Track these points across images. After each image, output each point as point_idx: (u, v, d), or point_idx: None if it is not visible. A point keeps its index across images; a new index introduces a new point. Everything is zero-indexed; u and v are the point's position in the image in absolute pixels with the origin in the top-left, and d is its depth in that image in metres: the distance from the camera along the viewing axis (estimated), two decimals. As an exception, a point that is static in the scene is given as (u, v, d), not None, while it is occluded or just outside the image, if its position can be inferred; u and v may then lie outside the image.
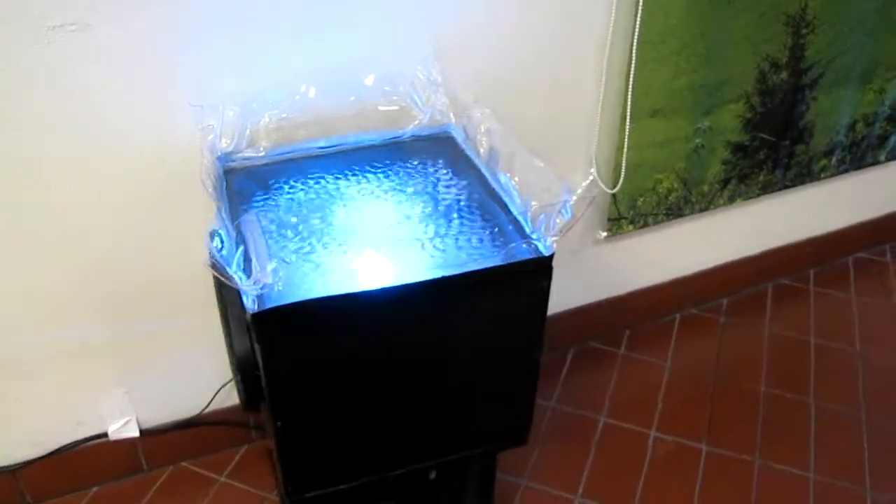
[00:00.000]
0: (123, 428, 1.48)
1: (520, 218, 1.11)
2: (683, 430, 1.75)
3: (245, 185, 1.20)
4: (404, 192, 1.18)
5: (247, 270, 0.95)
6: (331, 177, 1.21)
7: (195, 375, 1.52)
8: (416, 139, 1.32)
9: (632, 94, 1.50)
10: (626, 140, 1.54)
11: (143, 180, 1.25)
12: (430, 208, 1.14)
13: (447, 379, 1.13)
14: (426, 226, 1.10)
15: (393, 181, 1.21)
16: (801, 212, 2.12)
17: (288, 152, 1.26)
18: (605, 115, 1.58)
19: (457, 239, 1.08)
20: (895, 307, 2.16)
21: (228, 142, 1.21)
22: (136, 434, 1.50)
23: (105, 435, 1.48)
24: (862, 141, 2.02)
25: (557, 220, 1.04)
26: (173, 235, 1.32)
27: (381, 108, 1.31)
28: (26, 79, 1.10)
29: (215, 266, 0.88)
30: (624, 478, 1.64)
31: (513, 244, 1.07)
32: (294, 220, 1.12)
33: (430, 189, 1.19)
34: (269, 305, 0.92)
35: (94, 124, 1.17)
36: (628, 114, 1.51)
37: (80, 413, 1.45)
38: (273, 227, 1.09)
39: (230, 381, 1.54)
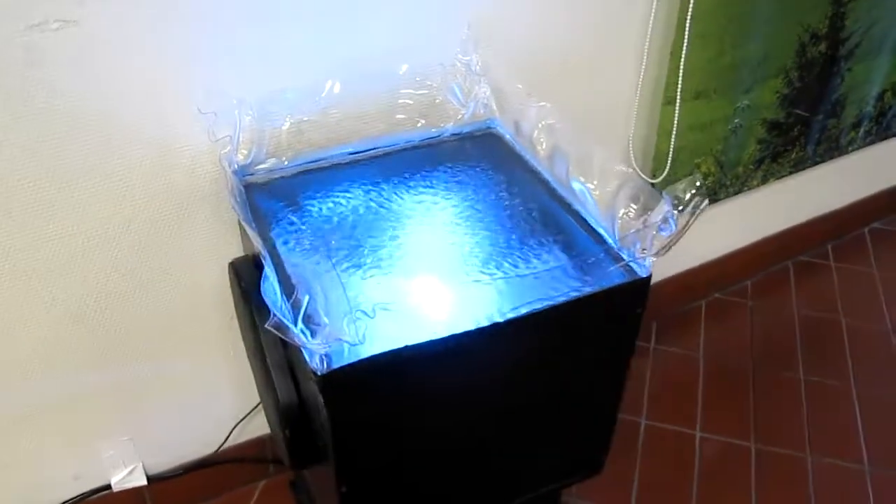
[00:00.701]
0: (129, 477, 1.30)
1: (603, 233, 0.96)
2: (729, 428, 1.65)
3: (269, 202, 1.02)
4: (455, 202, 1.02)
5: (304, 320, 0.79)
6: (367, 188, 1.04)
7: (204, 414, 1.34)
8: (458, 138, 1.16)
9: (681, 75, 1.35)
10: (674, 126, 1.39)
11: (140, 205, 1.05)
12: (491, 222, 0.98)
13: (528, 418, 0.98)
14: (491, 245, 0.94)
15: (439, 190, 1.05)
16: (824, 187, 2.02)
17: (315, 161, 1.08)
18: (643, 100, 1.44)
19: (529, 260, 0.93)
20: (919, 280, 2.09)
21: (246, 153, 1.03)
22: (144, 482, 1.32)
23: (108, 487, 1.30)
24: (888, 111, 1.92)
25: (654, 236, 0.89)
26: (175, 266, 1.14)
27: (415, 103, 1.14)
28: None
29: (280, 327, 0.71)
30: (677, 486, 1.53)
31: (601, 266, 0.92)
32: (334, 243, 0.95)
33: (485, 198, 1.03)
34: (338, 364, 0.75)
35: (80, 140, 0.97)
36: (678, 96, 1.37)
37: (80, 466, 1.27)
38: (313, 256, 0.92)
39: (245, 417, 1.37)
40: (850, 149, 1.91)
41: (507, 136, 1.14)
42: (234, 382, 1.32)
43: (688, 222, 0.88)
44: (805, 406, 1.70)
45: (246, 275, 0.98)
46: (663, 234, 0.89)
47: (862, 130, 1.90)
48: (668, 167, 1.46)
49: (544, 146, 1.08)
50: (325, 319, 0.74)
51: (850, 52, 1.67)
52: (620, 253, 0.93)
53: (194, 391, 1.29)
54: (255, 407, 1.36)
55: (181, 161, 1.04)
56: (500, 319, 0.82)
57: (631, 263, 0.91)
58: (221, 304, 1.20)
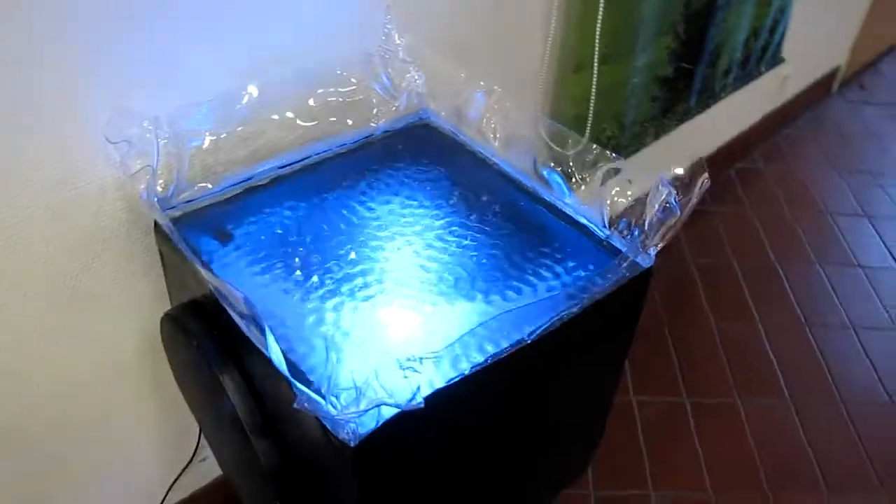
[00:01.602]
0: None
1: (589, 224, 0.89)
2: (661, 388, 1.66)
3: (201, 238, 0.86)
4: (412, 208, 0.91)
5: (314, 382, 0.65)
6: (308, 205, 0.90)
7: (128, 493, 1.15)
8: (393, 135, 1.03)
9: (597, 40, 1.30)
10: (592, 92, 1.34)
11: (38, 263, 0.85)
12: (463, 231, 0.88)
13: (542, 431, 0.90)
14: (472, 252, 0.84)
15: (389, 196, 0.92)
16: (700, 134, 2.07)
17: (243, 181, 0.92)
18: (551, 71, 1.37)
19: (518, 264, 0.84)
20: (786, 215, 2.21)
21: (164, 183, 0.86)
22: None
23: None
24: (751, 56, 1.99)
25: (655, 222, 0.83)
26: (84, 335, 0.94)
27: (342, 101, 1.00)
28: None
29: (310, 404, 0.57)
30: (627, 448, 1.51)
31: (602, 263, 0.84)
32: (298, 273, 0.81)
33: (446, 202, 0.92)
34: (368, 429, 0.63)
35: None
36: (595, 61, 1.31)
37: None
38: (280, 295, 0.78)
39: (175, 480, 1.19)
40: (722, 95, 1.96)
41: (448, 127, 1.04)
42: (159, 447, 1.14)
43: (691, 203, 0.82)
44: (722, 353, 1.75)
45: (195, 329, 0.82)
46: (665, 220, 0.83)
47: (731, 77, 1.95)
48: (587, 134, 1.41)
49: (498, 134, 0.98)
50: (355, 380, 0.61)
51: (727, 1, 1.70)
52: (616, 244, 0.86)
53: (113, 472, 1.10)
54: (186, 466, 1.19)
55: (83, 200, 0.85)
56: (526, 339, 0.73)
57: (635, 257, 0.84)
58: (141, 364, 1.02)
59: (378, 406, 0.58)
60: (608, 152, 0.91)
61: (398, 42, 1.02)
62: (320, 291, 0.78)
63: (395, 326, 0.76)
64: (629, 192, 0.87)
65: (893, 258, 2.07)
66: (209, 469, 1.24)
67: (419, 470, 0.75)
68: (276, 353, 0.62)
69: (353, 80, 1.00)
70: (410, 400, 0.57)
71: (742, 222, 2.16)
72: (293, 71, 0.95)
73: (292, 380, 0.59)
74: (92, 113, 0.79)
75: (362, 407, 0.59)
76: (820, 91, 2.73)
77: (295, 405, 0.57)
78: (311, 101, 0.97)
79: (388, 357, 0.65)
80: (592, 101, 1.35)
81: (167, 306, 0.98)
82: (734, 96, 2.07)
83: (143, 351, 1.01)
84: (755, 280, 1.96)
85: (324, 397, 0.59)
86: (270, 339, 0.62)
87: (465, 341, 0.71)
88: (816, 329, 1.82)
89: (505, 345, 0.72)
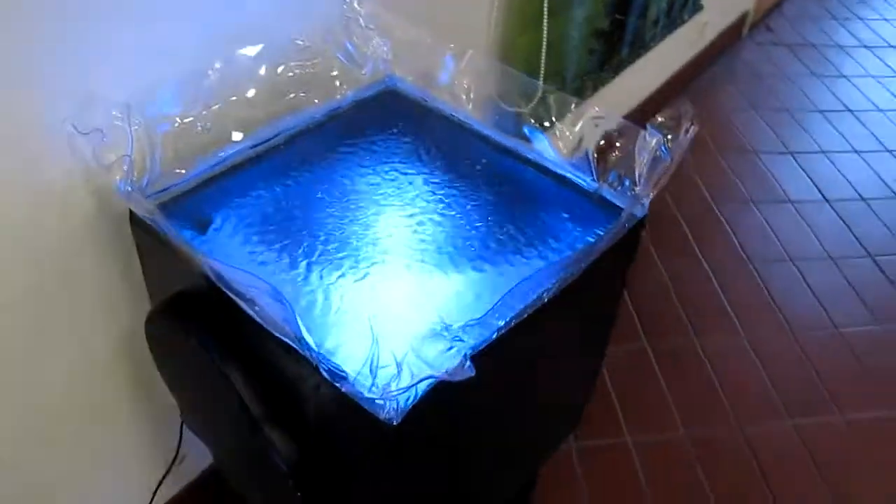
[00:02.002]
0: None
1: (576, 178, 0.88)
2: (620, 334, 1.69)
3: (179, 226, 0.82)
4: (394, 178, 0.89)
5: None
6: (287, 183, 0.87)
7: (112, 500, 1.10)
8: (361, 104, 1.00)
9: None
10: (543, 49, 1.33)
11: (5, 275, 0.79)
12: (446, 194, 0.86)
13: (550, 385, 0.90)
14: (465, 220, 0.83)
15: (369, 169, 0.90)
16: (631, 85, 2.10)
17: (217, 164, 0.88)
18: (497, 30, 1.36)
19: (516, 227, 0.83)
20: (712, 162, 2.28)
21: (138, 173, 0.81)
22: None
23: None
24: (675, 4, 2.02)
25: (647, 171, 0.83)
26: (59, 346, 0.88)
27: (308, 74, 0.96)
28: None
29: (348, 385, 0.55)
30: (598, 396, 1.55)
31: (597, 216, 0.85)
32: (300, 251, 0.78)
33: (428, 166, 0.90)
34: (408, 404, 0.61)
35: None
36: (545, 17, 1.30)
37: None
38: (278, 275, 0.75)
39: (162, 480, 1.14)
40: (651, 45, 1.99)
41: (417, 93, 1.01)
42: (140, 451, 1.09)
43: (682, 148, 0.83)
44: (675, 297, 1.80)
45: (191, 323, 0.78)
46: (656, 168, 0.83)
47: (659, 26, 1.98)
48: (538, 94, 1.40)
49: (472, 95, 0.97)
50: (395, 355, 0.59)
51: (654, -50, 1.72)
52: (607, 197, 0.86)
53: (95, 483, 1.04)
54: (170, 467, 1.14)
55: (48, 201, 0.79)
56: (545, 299, 0.72)
57: (633, 211, 0.84)
58: (118, 368, 0.97)
59: (426, 380, 0.57)
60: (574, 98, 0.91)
61: (359, 9, 0.98)
62: (316, 271, 0.76)
63: (406, 300, 0.74)
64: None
65: (819, 191, 2.16)
66: (191, 467, 1.19)
67: (447, 438, 0.74)
68: (307, 336, 0.60)
69: (316, 51, 0.96)
70: (460, 370, 0.56)
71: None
72: (256, 46, 0.91)
73: (328, 360, 0.57)
74: (52, 101, 0.74)
75: (406, 383, 0.57)
76: (733, 35, 2.81)
77: (344, 388, 0.55)
78: (276, 76, 0.93)
79: (420, 329, 0.64)
80: (544, 54, 1.35)
81: (145, 303, 0.93)
82: (660, 45, 2.10)
83: (120, 353, 0.96)
84: (696, 223, 2.02)
85: (373, 376, 0.57)
86: (298, 320, 0.60)
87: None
88: (759, 264, 1.89)
89: (521, 307, 0.72)
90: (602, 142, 0.88)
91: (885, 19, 3.18)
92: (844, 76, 2.73)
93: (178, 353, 0.83)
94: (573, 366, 0.95)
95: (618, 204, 0.85)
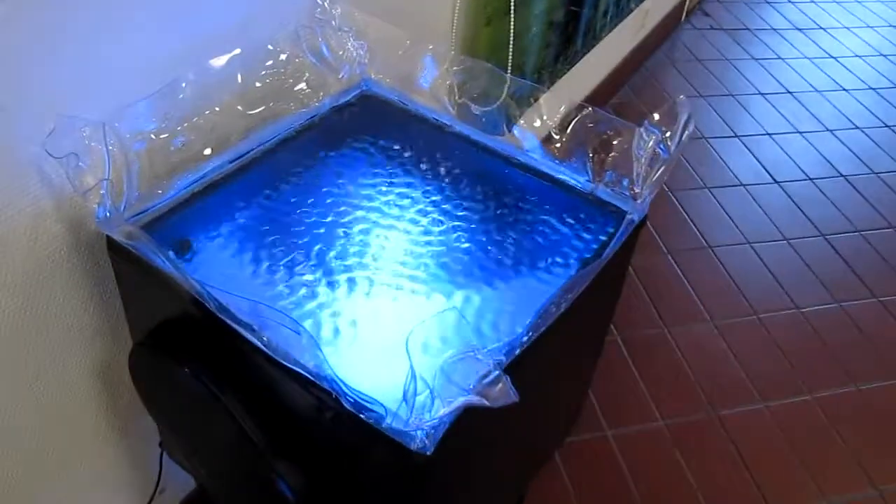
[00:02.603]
0: None
1: (570, 180, 0.86)
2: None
3: (161, 252, 0.76)
4: (384, 188, 0.85)
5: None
6: (271, 198, 0.83)
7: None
8: (339, 110, 0.96)
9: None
10: (510, 43, 1.31)
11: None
12: (439, 204, 0.83)
13: (561, 385, 0.88)
14: (464, 231, 0.80)
15: (354, 179, 0.86)
16: (583, 76, 2.10)
17: (195, 181, 0.83)
18: (461, 27, 1.33)
19: (518, 233, 0.81)
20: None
21: (115, 196, 0.75)
22: None
23: None
24: (623, -7, 2.03)
25: (643, 170, 0.82)
26: (29, 393, 0.82)
27: (281, 81, 0.91)
28: None
29: (370, 413, 0.51)
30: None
31: (597, 219, 0.83)
32: (298, 270, 0.74)
33: (416, 175, 0.87)
34: (440, 432, 0.58)
35: None
36: (512, 9, 1.28)
37: None
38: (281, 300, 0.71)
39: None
40: (602, 35, 1.99)
41: (395, 97, 0.97)
42: (119, 489, 1.03)
43: (679, 144, 0.81)
44: (641, 287, 1.80)
45: (183, 353, 0.73)
46: (654, 167, 0.82)
47: (609, 16, 1.98)
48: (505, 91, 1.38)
49: (457, 99, 0.93)
50: (426, 381, 0.55)
51: (605, -58, 1.71)
52: (604, 197, 0.85)
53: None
54: (153, 497, 1.08)
55: (16, 233, 0.72)
56: (562, 309, 0.70)
57: (634, 213, 0.83)
58: (95, 403, 0.90)
59: (466, 407, 0.54)
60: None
61: (332, 11, 0.94)
62: (309, 290, 0.72)
63: (414, 320, 0.71)
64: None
65: (768, 172, 2.21)
66: (172, 498, 1.13)
67: (467, 460, 0.71)
68: (329, 369, 0.56)
69: (291, 56, 0.92)
70: (504, 395, 0.53)
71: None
72: (228, 55, 0.86)
73: (353, 390, 0.53)
74: (18, 123, 0.67)
75: (442, 412, 0.54)
76: (672, 22, 2.84)
77: (350, 416, 0.52)
78: (250, 84, 0.88)
79: (446, 350, 0.60)
80: (511, 48, 1.32)
81: (125, 333, 0.87)
82: (609, 36, 2.11)
83: (98, 385, 0.90)
84: (653, 210, 2.02)
85: (409, 406, 0.53)
86: (321, 354, 0.56)
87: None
88: (718, 249, 1.92)
89: (545, 325, 0.69)
90: (596, 142, 0.86)
91: (814, 1, 3.27)
92: (781, 58, 2.80)
93: (166, 385, 0.78)
94: (578, 367, 0.93)
95: (617, 204, 0.83)
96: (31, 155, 0.69)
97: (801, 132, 2.40)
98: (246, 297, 0.61)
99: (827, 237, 2.00)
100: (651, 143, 0.81)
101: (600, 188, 0.85)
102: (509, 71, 1.34)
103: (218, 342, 0.70)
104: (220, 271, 0.73)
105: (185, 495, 1.16)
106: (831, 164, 2.27)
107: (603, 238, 0.80)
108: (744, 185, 2.14)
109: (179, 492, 1.14)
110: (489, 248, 0.78)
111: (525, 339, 0.64)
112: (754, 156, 2.27)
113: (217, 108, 0.85)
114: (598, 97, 2.33)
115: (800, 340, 1.70)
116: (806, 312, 1.77)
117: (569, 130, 0.87)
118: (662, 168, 0.81)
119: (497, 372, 0.55)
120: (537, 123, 0.90)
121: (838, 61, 2.81)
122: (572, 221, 0.82)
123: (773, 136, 2.37)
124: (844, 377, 1.63)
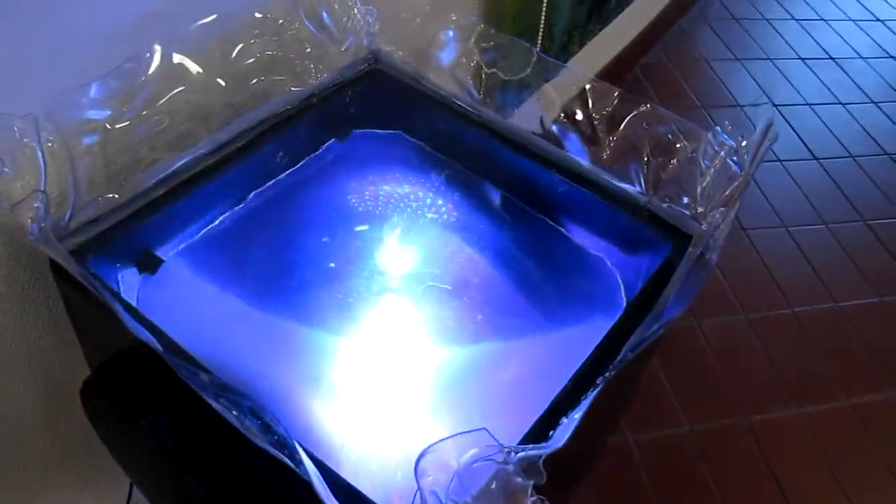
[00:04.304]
0: None
1: (622, 189, 0.71)
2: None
3: (111, 270, 0.62)
4: (392, 194, 0.70)
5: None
6: (247, 204, 0.69)
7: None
8: (341, 89, 0.80)
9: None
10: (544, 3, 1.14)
11: None
12: (462, 215, 0.69)
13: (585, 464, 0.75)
14: (489, 256, 0.66)
15: (359, 179, 0.71)
16: (614, 39, 1.92)
17: (158, 183, 0.67)
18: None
19: (554, 268, 0.67)
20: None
21: (56, 205, 0.60)
22: None
23: None
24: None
25: (709, 185, 0.67)
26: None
27: (272, 53, 0.75)
28: None
29: None
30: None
31: (652, 241, 0.68)
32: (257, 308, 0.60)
33: (430, 178, 0.72)
34: None
35: None
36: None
37: None
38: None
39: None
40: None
41: (411, 73, 0.81)
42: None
43: (757, 158, 0.66)
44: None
45: (135, 402, 0.59)
46: (722, 181, 0.67)
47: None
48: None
49: (484, 81, 0.78)
50: (435, 494, 0.42)
51: None
52: (660, 214, 0.70)
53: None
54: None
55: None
56: (630, 355, 0.56)
57: (705, 246, 0.67)
58: (43, 438, 0.77)
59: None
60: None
61: (336, -33, 0.77)
62: (302, 329, 0.58)
63: (421, 388, 0.57)
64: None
65: (808, 149, 2.04)
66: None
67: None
68: (318, 483, 0.42)
69: (285, 24, 0.76)
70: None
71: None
72: (205, 19, 0.70)
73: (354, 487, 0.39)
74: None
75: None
76: (708, -25, 2.63)
77: None
78: (234, 58, 0.72)
79: (460, 444, 0.46)
80: (544, 5, 1.15)
81: (79, 359, 0.73)
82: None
83: (51, 412, 0.77)
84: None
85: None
86: (309, 464, 0.42)
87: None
88: (754, 234, 1.77)
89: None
90: (653, 146, 0.70)
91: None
92: (823, 19, 2.59)
93: (122, 437, 0.64)
94: (611, 421, 0.79)
95: (678, 226, 0.68)
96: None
97: (843, 103, 2.21)
98: (221, 379, 0.47)
99: (869, 223, 1.84)
100: (721, 153, 0.66)
101: (656, 201, 0.70)
102: (541, 31, 1.17)
103: (174, 379, 0.56)
104: (183, 303, 0.59)
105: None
106: (876, 141, 2.09)
107: (666, 276, 0.65)
108: (780, 161, 1.98)
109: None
110: (518, 285, 0.64)
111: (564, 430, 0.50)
112: (792, 128, 2.09)
113: (191, 88, 0.69)
114: (627, 59, 2.15)
115: (834, 340, 1.56)
116: (845, 307, 1.63)
117: (620, 129, 0.72)
118: (733, 186, 0.66)
119: (525, 483, 0.42)
120: (579, 116, 0.75)
121: (885, 25, 2.60)
122: (621, 247, 0.67)
123: (813, 106, 2.19)
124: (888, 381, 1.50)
